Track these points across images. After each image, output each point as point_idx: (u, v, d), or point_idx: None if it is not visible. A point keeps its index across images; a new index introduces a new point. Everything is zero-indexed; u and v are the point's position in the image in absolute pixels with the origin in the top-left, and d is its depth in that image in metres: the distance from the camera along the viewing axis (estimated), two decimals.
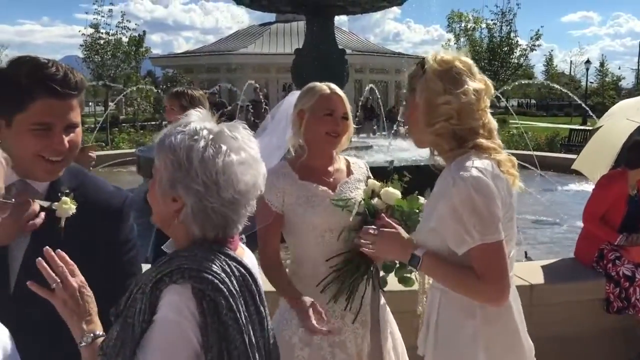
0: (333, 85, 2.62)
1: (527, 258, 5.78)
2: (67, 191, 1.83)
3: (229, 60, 31.63)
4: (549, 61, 56.45)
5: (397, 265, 2.44)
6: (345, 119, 2.57)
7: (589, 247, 4.54)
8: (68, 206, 1.80)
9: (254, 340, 1.46)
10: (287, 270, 2.64)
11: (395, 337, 2.72)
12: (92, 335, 1.54)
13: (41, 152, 1.74)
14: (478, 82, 2.05)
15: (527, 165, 11.46)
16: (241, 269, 1.50)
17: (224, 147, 1.46)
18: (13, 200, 1.49)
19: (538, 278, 4.20)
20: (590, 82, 44.05)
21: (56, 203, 1.79)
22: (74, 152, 1.83)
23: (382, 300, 2.68)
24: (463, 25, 25.55)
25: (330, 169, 2.63)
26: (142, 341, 1.38)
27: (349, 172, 2.67)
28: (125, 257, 1.95)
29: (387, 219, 2.34)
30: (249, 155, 1.51)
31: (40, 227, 1.81)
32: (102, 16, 24.69)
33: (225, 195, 1.45)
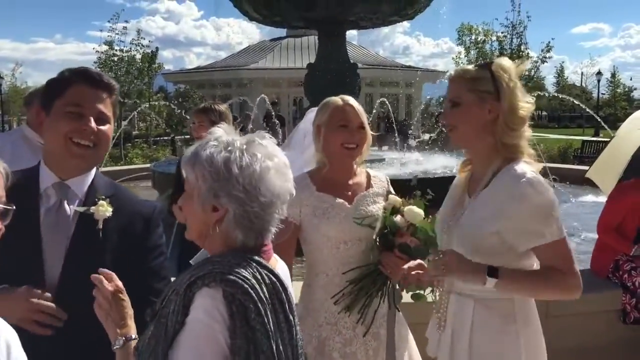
0: (347, 97, 2.67)
1: None
2: (103, 197, 1.98)
3: (240, 75, 31.87)
4: (560, 73, 56.30)
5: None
6: (362, 129, 2.60)
7: (604, 259, 4.54)
8: (105, 209, 1.95)
9: (281, 348, 1.50)
10: (303, 281, 2.70)
11: (412, 354, 2.72)
12: (124, 338, 1.62)
13: (71, 133, 1.92)
14: None
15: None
16: (272, 277, 1.55)
17: (259, 155, 1.55)
18: (14, 207, 1.58)
19: None
20: (602, 94, 43.97)
21: (93, 207, 1.95)
22: (103, 144, 2.00)
23: (399, 317, 2.69)
24: (473, 37, 25.62)
25: (349, 181, 2.65)
26: (174, 341, 1.43)
27: (369, 186, 2.68)
28: (154, 262, 2.06)
29: (409, 237, 2.42)
30: (281, 160, 1.60)
31: (79, 231, 1.95)
32: (117, 33, 25.07)
33: (264, 199, 1.53)
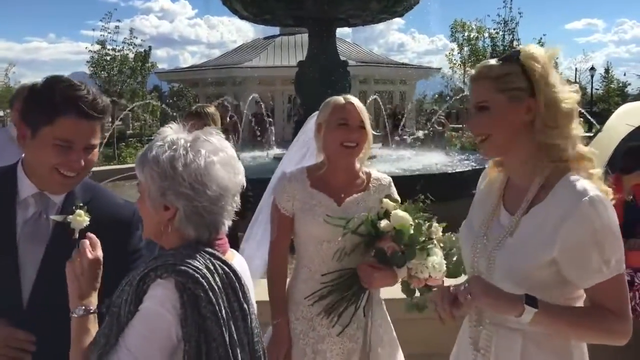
0: (349, 96, 2.67)
1: None
2: (81, 204, 1.94)
3: (234, 74, 31.78)
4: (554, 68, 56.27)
5: (419, 294, 2.40)
6: (362, 127, 2.56)
7: None
8: (82, 218, 1.91)
9: (235, 336, 1.54)
10: (290, 274, 2.72)
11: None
12: (84, 307, 1.64)
13: (58, 166, 1.87)
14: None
15: None
16: (225, 267, 1.59)
17: (202, 151, 1.58)
18: None
19: None
20: (596, 89, 43.94)
21: (70, 216, 1.91)
22: (88, 170, 1.96)
23: (384, 322, 2.69)
24: (466, 34, 25.65)
25: (344, 181, 2.63)
26: (126, 328, 1.48)
27: (366, 188, 2.65)
28: (134, 265, 2.02)
29: (390, 242, 2.35)
30: (227, 154, 1.63)
31: (55, 240, 1.94)
32: (109, 33, 25.05)
33: (212, 193, 1.57)
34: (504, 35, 23.38)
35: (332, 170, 2.63)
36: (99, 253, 1.72)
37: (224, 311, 1.52)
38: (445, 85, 26.56)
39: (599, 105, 41.96)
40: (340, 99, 2.64)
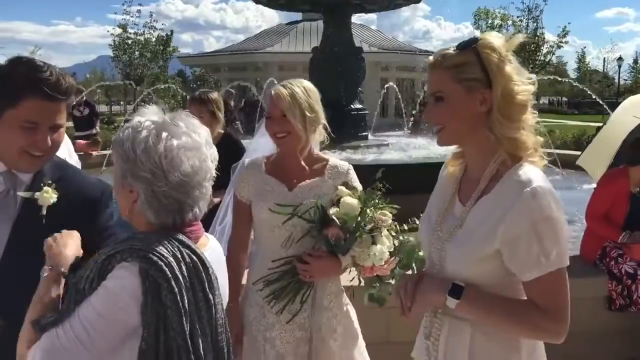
0: (285, 84, 2.58)
1: None
2: (50, 182, 1.97)
3: (255, 59, 31.81)
4: (581, 58, 55.39)
5: (378, 285, 2.40)
6: (284, 116, 2.51)
7: (592, 245, 4.53)
8: (49, 195, 1.94)
9: (197, 326, 1.53)
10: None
11: (351, 348, 2.65)
12: (49, 267, 1.66)
13: (26, 147, 1.88)
14: None
15: (547, 164, 11.34)
16: (193, 256, 1.57)
17: (164, 134, 1.55)
18: None
19: None
20: (625, 80, 43.15)
21: (38, 193, 1.94)
22: (55, 150, 1.97)
23: (333, 312, 2.62)
24: (490, 22, 25.26)
25: (297, 167, 2.61)
26: (84, 301, 1.47)
27: (320, 174, 2.63)
28: (103, 244, 2.01)
29: (336, 230, 2.35)
30: (192, 139, 1.59)
31: (22, 216, 1.96)
32: (131, 16, 25.19)
33: (172, 178, 1.54)
34: (527, 23, 23.04)
35: (281, 156, 2.64)
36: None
37: (186, 301, 1.50)
38: None
39: (626, 96, 41.17)
40: (273, 89, 2.58)
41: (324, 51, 9.78)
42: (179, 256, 1.53)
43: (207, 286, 1.58)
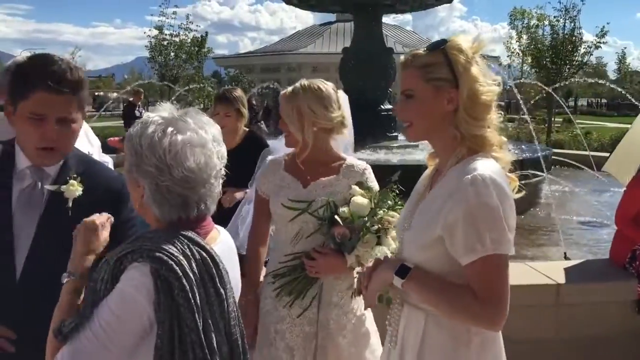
0: (295, 84, 2.68)
1: (567, 259, 5.69)
2: (75, 175, 2.05)
3: (288, 60, 32.02)
4: (622, 59, 54.07)
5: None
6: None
7: (622, 248, 4.44)
8: (75, 188, 2.03)
9: (209, 321, 1.56)
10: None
11: (361, 346, 2.66)
12: (68, 273, 1.69)
13: (37, 143, 1.97)
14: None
15: (580, 165, 11.16)
16: (202, 252, 1.59)
17: (170, 129, 1.57)
18: None
19: (566, 277, 4.14)
20: None
21: (64, 186, 2.02)
22: (67, 144, 2.05)
23: (344, 309, 2.64)
24: (526, 22, 24.86)
25: (313, 165, 2.65)
26: (100, 304, 1.51)
27: (335, 172, 2.66)
28: (126, 235, 2.07)
29: (342, 229, 2.38)
30: (197, 135, 1.60)
31: (49, 209, 2.04)
32: (167, 18, 25.51)
33: (175, 173, 1.56)
34: (564, 23, 22.57)
35: (300, 152, 2.68)
36: (96, 218, 1.77)
37: (197, 297, 1.53)
38: (504, 74, 25.91)
39: None
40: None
41: (354, 51, 9.79)
42: (189, 254, 1.56)
43: (217, 281, 1.60)
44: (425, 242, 1.83)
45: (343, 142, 2.78)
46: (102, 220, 1.79)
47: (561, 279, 4.10)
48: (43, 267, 1.96)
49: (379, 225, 2.37)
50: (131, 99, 16.54)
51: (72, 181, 2.03)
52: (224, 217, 3.05)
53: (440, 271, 1.80)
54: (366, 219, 2.38)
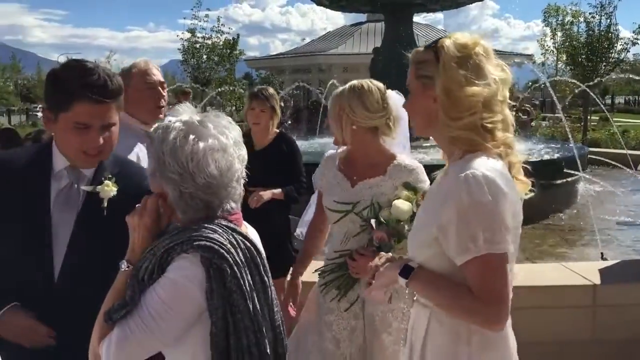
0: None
1: (603, 259, 5.57)
2: (110, 176, 2.11)
3: (319, 61, 32.00)
4: None
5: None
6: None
7: None
8: (109, 188, 2.08)
9: (257, 307, 1.61)
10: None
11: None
12: (126, 262, 1.68)
13: (81, 148, 2.02)
14: (499, 70, 1.83)
15: (617, 164, 10.92)
16: (247, 242, 1.65)
17: (191, 136, 1.58)
18: None
19: (603, 278, 4.06)
20: None
21: (99, 186, 2.08)
22: (110, 147, 2.10)
23: (390, 307, 2.63)
24: (560, 19, 24.38)
25: (362, 164, 2.69)
26: (147, 292, 1.54)
27: (382, 173, 2.67)
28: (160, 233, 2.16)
29: (380, 232, 2.43)
30: (219, 141, 1.61)
31: (85, 208, 2.10)
32: (199, 21, 25.79)
33: (198, 180, 1.58)
34: (600, 19, 22.05)
35: (349, 153, 2.75)
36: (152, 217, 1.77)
37: (247, 284, 1.58)
38: (539, 72, 25.46)
39: None
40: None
41: (385, 51, 9.76)
42: (235, 243, 1.60)
43: (261, 269, 1.66)
44: (424, 242, 1.83)
45: (399, 141, 2.79)
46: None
47: (598, 279, 4.02)
48: (81, 266, 2.02)
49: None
50: (176, 100, 16.66)
51: (107, 181, 2.08)
52: (254, 217, 3.07)
53: (442, 271, 1.78)
54: (403, 223, 2.39)
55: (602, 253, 5.87)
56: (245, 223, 1.82)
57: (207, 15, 25.89)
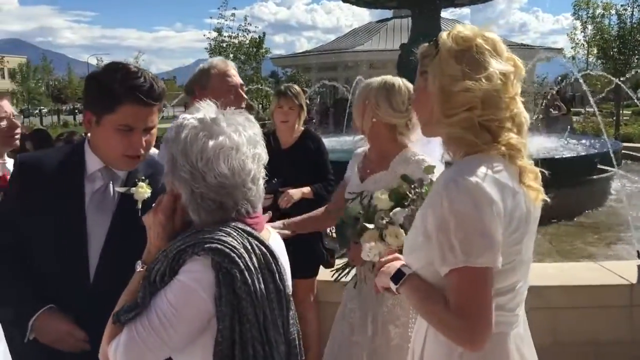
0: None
1: None
2: (143, 177, 2.11)
3: (345, 58, 31.93)
4: None
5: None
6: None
7: None
8: (144, 190, 2.09)
9: (269, 317, 1.53)
10: None
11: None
12: (141, 262, 1.66)
13: (124, 151, 2.03)
14: (505, 63, 1.68)
15: None
16: (262, 247, 1.57)
17: (201, 134, 1.54)
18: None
19: None
20: None
21: (133, 188, 2.08)
22: (148, 149, 2.11)
23: (397, 300, 2.66)
24: (591, 12, 23.95)
25: (376, 159, 2.78)
26: (158, 294, 1.50)
27: (386, 167, 2.73)
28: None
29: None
30: (230, 140, 1.55)
31: (120, 209, 2.11)
32: (226, 20, 25.91)
33: (209, 180, 1.53)
34: (632, 11, 21.63)
35: (370, 148, 2.87)
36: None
37: (259, 292, 1.51)
38: (568, 67, 25.05)
39: None
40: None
41: (412, 47, 9.66)
42: (249, 247, 1.53)
43: (277, 277, 1.57)
44: (413, 247, 1.76)
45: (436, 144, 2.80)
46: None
47: (635, 278, 3.91)
48: (116, 267, 1.98)
49: (386, 219, 2.30)
50: None
51: (141, 183, 2.09)
52: (284, 217, 3.05)
53: (433, 281, 1.68)
54: (380, 213, 2.33)
55: (638, 251, 5.71)
56: (269, 228, 1.76)
57: (233, 14, 25.98)
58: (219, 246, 1.49)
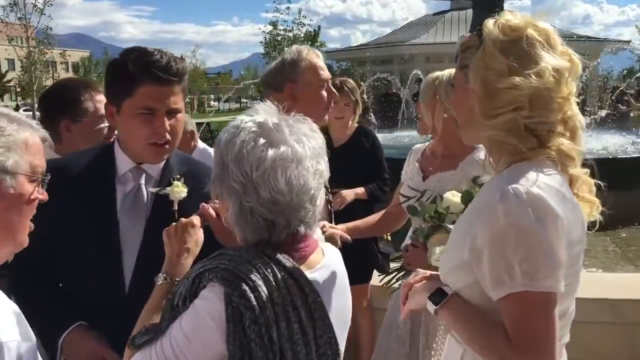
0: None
1: None
2: (178, 176, 1.95)
3: (400, 52, 31.47)
4: None
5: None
6: None
7: None
8: (180, 189, 1.92)
9: None
10: None
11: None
12: (163, 275, 1.57)
13: (149, 139, 1.88)
14: (559, 58, 1.48)
15: None
16: (290, 280, 1.35)
17: (261, 141, 1.35)
18: (49, 176, 1.46)
19: None
20: None
21: (168, 188, 1.92)
22: (176, 136, 1.95)
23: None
24: None
25: (443, 156, 2.65)
26: (176, 320, 1.36)
27: (453, 167, 2.59)
28: None
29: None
30: (292, 150, 1.36)
31: (155, 212, 1.95)
32: (281, 14, 26.06)
33: (262, 194, 1.34)
34: None
35: (435, 144, 2.74)
36: (194, 220, 1.66)
37: (275, 334, 1.30)
38: (636, 59, 23.87)
39: None
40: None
41: None
42: (271, 279, 1.33)
43: (304, 316, 1.35)
44: (454, 266, 1.54)
45: None
46: (193, 220, 1.66)
47: None
48: (152, 273, 1.80)
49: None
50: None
51: (176, 182, 1.93)
52: (336, 220, 2.87)
53: (478, 303, 1.47)
54: (449, 215, 2.22)
55: None
56: (324, 250, 1.54)
57: (288, 8, 26.14)
58: (232, 275, 1.31)
